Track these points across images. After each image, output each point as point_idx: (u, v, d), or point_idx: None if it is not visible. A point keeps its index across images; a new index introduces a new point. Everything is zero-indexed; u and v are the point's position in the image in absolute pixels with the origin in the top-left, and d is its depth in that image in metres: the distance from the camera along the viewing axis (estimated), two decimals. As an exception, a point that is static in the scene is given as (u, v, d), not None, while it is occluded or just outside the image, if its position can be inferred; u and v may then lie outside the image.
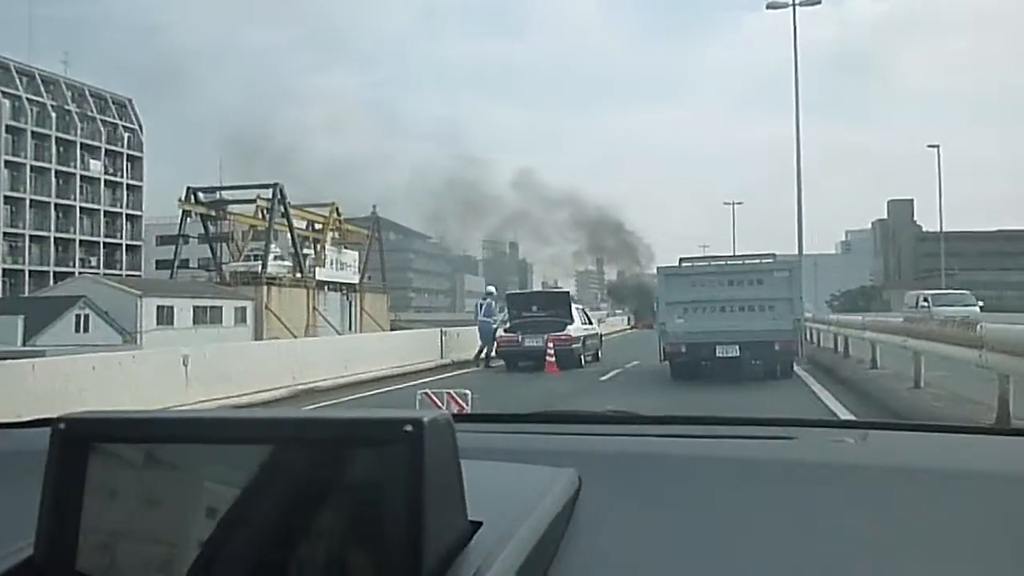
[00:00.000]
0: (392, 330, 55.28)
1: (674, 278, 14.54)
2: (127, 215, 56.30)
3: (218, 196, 48.32)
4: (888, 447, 1.25)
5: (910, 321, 12.56)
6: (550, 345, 17.03)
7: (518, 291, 28.64)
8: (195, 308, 41.98)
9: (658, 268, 16.55)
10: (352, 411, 0.80)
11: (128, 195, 56.30)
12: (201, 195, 47.91)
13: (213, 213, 48.04)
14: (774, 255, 15.61)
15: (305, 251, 52.60)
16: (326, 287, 52.67)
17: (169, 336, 37.33)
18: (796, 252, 26.47)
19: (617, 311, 64.92)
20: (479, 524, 0.75)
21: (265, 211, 48.28)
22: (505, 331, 18.36)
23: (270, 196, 46.74)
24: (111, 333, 38.79)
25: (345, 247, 55.81)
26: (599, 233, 70.90)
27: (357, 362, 15.43)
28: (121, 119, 56.82)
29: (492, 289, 20.93)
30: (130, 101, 58.09)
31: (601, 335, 22.46)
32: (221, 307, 42.37)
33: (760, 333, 13.31)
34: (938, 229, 60.81)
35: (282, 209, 47.99)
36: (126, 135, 56.86)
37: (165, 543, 0.73)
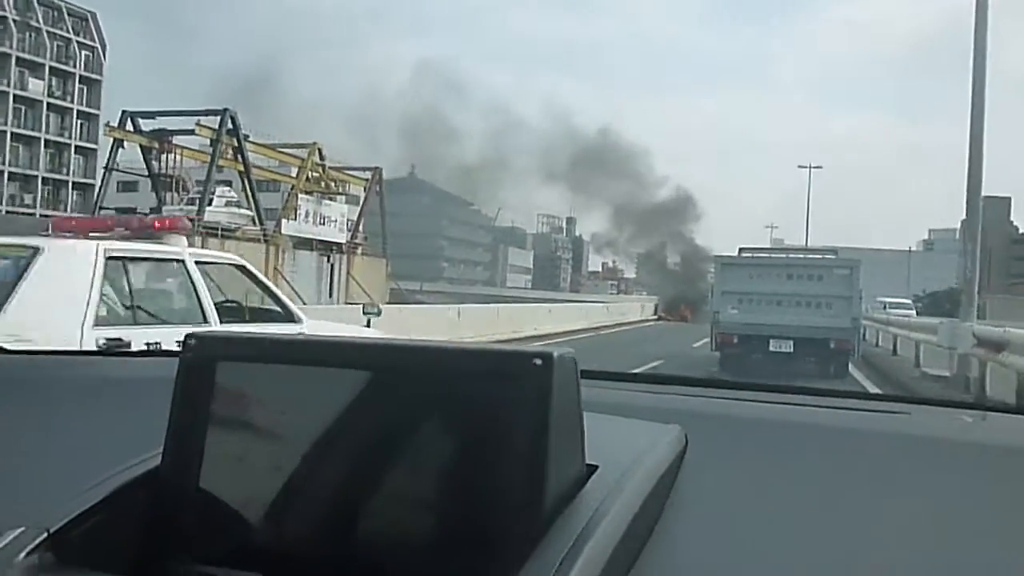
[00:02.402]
0: (391, 302, 46.52)
1: (731, 268, 14.51)
2: (76, 147, 47.73)
3: (165, 125, 39.22)
4: (1009, 427, 1.21)
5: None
6: None
7: None
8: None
9: (715, 256, 17.85)
10: (478, 344, 0.79)
11: (81, 124, 47.60)
12: (141, 122, 38.97)
13: (155, 145, 39.02)
14: (835, 251, 17.38)
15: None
16: (296, 244, 43.40)
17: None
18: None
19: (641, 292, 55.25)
20: (595, 468, 0.76)
21: (227, 144, 39.17)
22: None
23: (218, 125, 37.38)
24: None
25: (330, 199, 46.26)
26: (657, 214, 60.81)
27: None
28: (78, 34, 48.23)
29: None
30: (93, 15, 49.50)
31: None
32: (127, 259, 33.00)
33: (816, 330, 13.09)
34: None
35: (234, 142, 38.62)
36: (83, 53, 48.25)
37: (286, 464, 0.74)
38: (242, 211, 40.60)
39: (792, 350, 13.22)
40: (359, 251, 51.08)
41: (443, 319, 16.95)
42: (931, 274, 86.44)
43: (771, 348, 13.26)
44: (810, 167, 54.75)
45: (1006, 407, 1.51)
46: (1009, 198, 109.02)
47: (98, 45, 49.47)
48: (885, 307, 34.89)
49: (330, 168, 47.02)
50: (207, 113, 37.49)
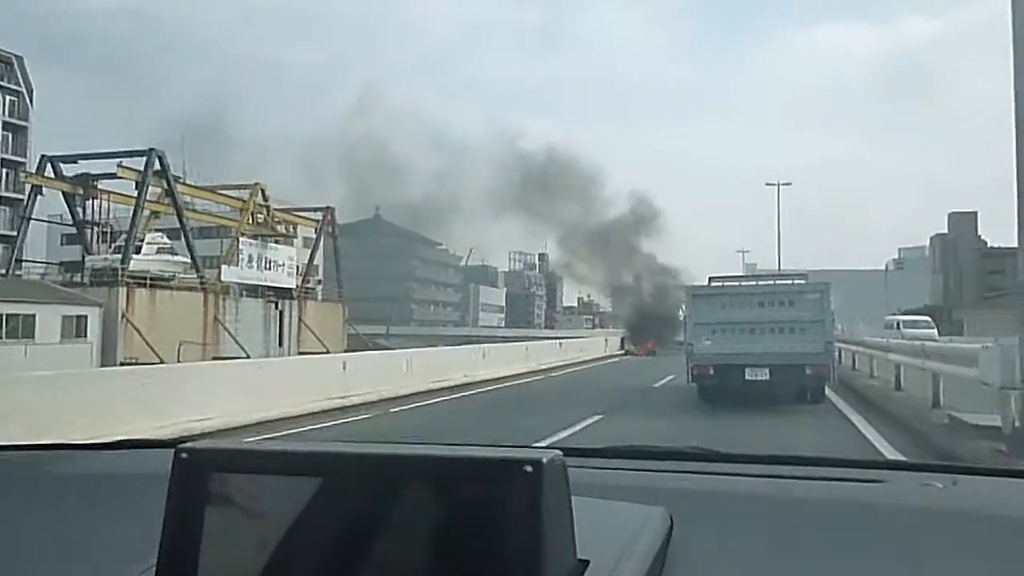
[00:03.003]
0: (349, 349, 43.46)
1: (703, 298, 14.35)
2: (1, 197, 44.62)
3: (90, 170, 36.25)
4: (978, 492, 1.24)
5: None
6: None
7: None
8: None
9: (686, 288, 17.74)
10: (468, 449, 0.80)
11: (6, 174, 44.56)
12: (63, 167, 36.04)
13: (79, 191, 36.06)
14: (805, 276, 16.04)
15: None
16: (240, 291, 40.36)
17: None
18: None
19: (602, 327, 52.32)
20: (586, 563, 0.77)
21: (163, 189, 36.26)
22: None
23: (144, 166, 34.48)
24: None
25: (276, 241, 43.33)
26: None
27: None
28: (1, 79, 45.40)
29: None
30: (19, 59, 46.76)
31: None
32: (34, 315, 29.77)
33: (791, 356, 13.08)
34: (1004, 244, 46.97)
35: (163, 184, 35.75)
36: (7, 98, 45.39)
37: (280, 573, 0.75)
38: (176, 258, 37.60)
39: (768, 377, 13.17)
40: (313, 296, 48.13)
41: (394, 368, 14.57)
42: (903, 292, 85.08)
43: (747, 377, 13.19)
44: (779, 184, 52.55)
45: (974, 469, 1.45)
46: (975, 212, 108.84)
47: (24, 90, 46.60)
48: (898, 326, 31.63)
49: (276, 210, 44.16)
50: (132, 155, 34.57)
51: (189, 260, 37.47)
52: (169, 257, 37.15)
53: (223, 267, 38.83)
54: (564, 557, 0.73)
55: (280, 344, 43.24)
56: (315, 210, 48.77)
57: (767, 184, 52.16)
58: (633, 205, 58.55)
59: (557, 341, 25.21)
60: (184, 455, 0.77)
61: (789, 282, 15.61)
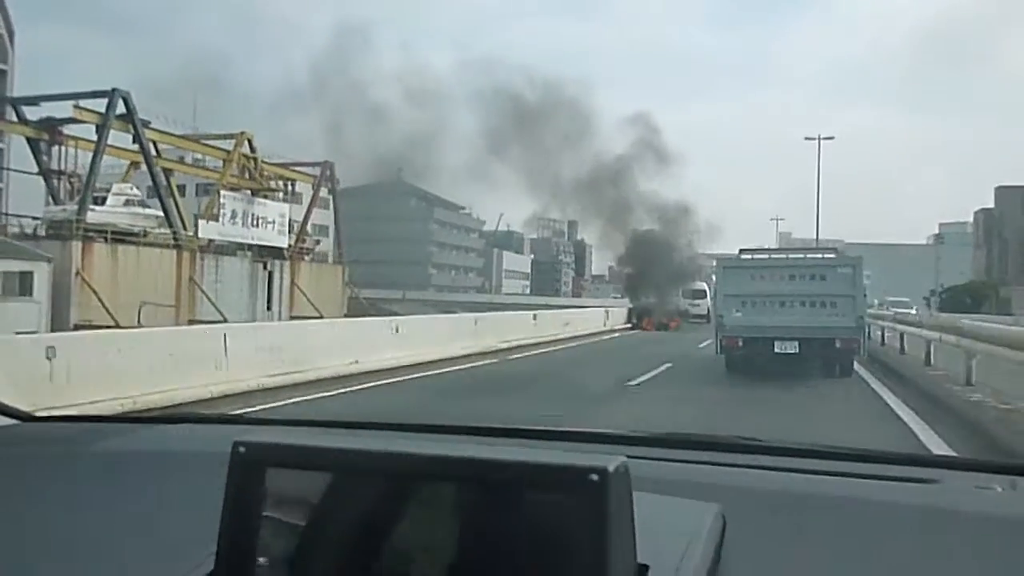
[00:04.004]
0: (349, 314, 40.43)
1: (733, 270, 14.37)
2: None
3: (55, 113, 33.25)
4: None
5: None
6: None
7: None
8: None
9: (716, 260, 18.18)
10: (535, 453, 0.78)
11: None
12: (26, 111, 33.13)
13: (44, 137, 33.14)
14: (836, 250, 17.74)
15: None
16: (228, 250, 37.38)
17: None
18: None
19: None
20: (645, 567, 0.77)
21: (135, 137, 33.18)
22: None
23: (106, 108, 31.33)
24: None
25: (266, 197, 40.18)
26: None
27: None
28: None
29: None
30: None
31: None
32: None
33: (821, 330, 13.05)
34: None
35: (131, 129, 32.63)
36: (-17, 39, 42.56)
37: (336, 573, 0.75)
38: (148, 212, 34.59)
39: (798, 350, 13.19)
40: (309, 257, 45.04)
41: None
42: (944, 267, 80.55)
43: (776, 350, 13.23)
44: (819, 138, 48.17)
45: None
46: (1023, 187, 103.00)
47: (4, 32, 43.75)
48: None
49: (266, 163, 40.95)
50: (95, 95, 31.44)
51: (162, 214, 34.43)
52: (139, 210, 34.14)
53: (200, 223, 35.76)
54: (626, 565, 0.71)
55: (269, 308, 40.29)
56: (312, 164, 45.49)
57: (806, 138, 47.99)
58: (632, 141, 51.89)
59: (532, 313, 21.06)
60: (242, 449, 0.77)
61: (820, 256, 15.51)
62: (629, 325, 32.02)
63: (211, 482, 0.80)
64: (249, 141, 39.00)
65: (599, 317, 28.43)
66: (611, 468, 0.69)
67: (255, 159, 39.56)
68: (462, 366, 14.68)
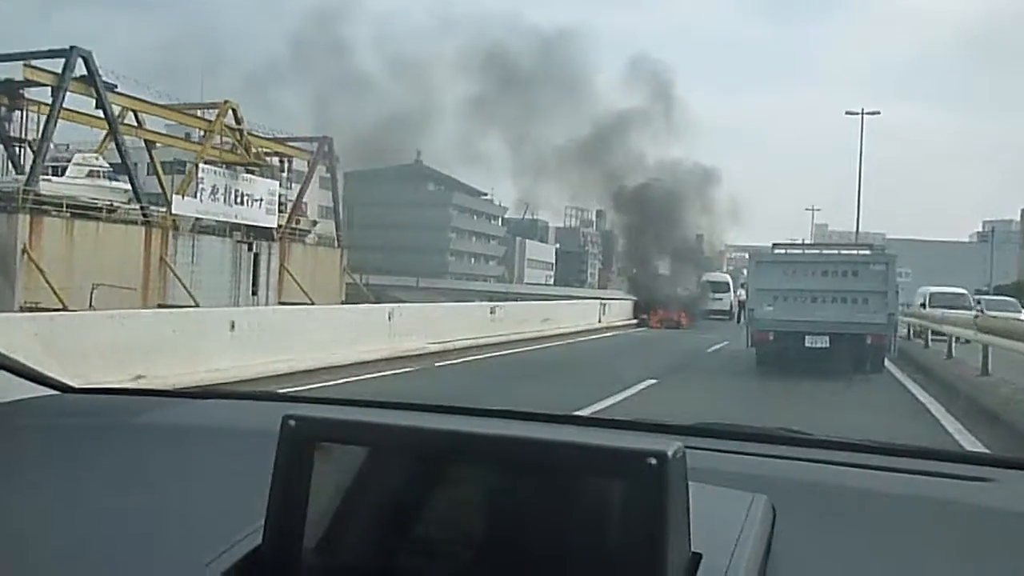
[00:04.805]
0: (347, 301, 37.31)
1: (765, 265, 14.43)
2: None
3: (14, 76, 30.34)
4: None
5: None
6: None
7: None
8: None
9: (749, 254, 18.80)
10: (591, 435, 0.78)
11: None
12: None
13: (4, 101, 30.29)
14: (871, 245, 17.46)
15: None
16: (199, 228, 34.35)
17: None
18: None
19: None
20: (699, 556, 0.76)
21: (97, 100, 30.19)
22: None
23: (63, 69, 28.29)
24: None
25: (252, 172, 37.09)
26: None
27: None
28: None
29: None
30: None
31: None
32: None
33: (852, 326, 13.13)
34: None
35: (94, 94, 29.59)
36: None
37: (384, 549, 0.75)
38: (115, 184, 31.62)
39: (828, 345, 13.22)
40: (304, 238, 41.98)
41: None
42: (988, 266, 75.99)
43: (807, 344, 13.30)
44: (862, 112, 43.75)
45: None
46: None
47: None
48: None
49: (255, 136, 37.84)
50: (52, 55, 28.45)
51: (128, 186, 31.45)
52: (104, 183, 31.22)
53: (175, 198, 32.74)
54: (680, 551, 0.71)
55: (255, 292, 37.25)
56: (309, 140, 42.34)
57: (847, 112, 43.79)
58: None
59: (490, 305, 17.27)
60: (292, 423, 0.77)
61: (854, 252, 15.66)
62: (635, 321, 27.93)
63: (260, 457, 0.79)
64: (234, 111, 35.91)
65: (592, 312, 24.60)
66: (670, 453, 0.69)
67: (240, 131, 36.45)
68: (327, 381, 9.91)
